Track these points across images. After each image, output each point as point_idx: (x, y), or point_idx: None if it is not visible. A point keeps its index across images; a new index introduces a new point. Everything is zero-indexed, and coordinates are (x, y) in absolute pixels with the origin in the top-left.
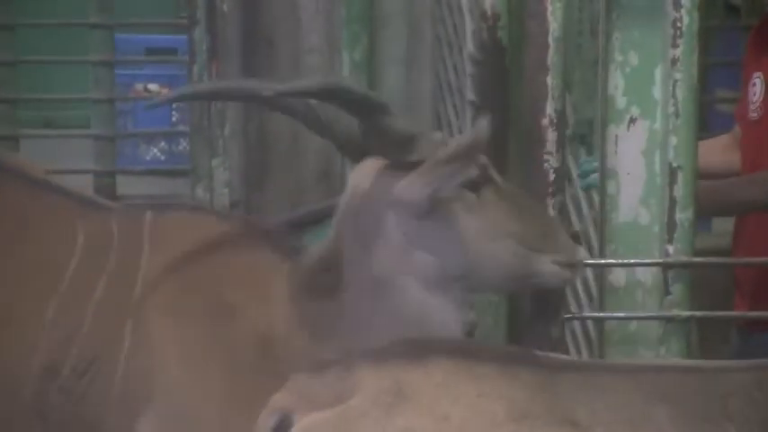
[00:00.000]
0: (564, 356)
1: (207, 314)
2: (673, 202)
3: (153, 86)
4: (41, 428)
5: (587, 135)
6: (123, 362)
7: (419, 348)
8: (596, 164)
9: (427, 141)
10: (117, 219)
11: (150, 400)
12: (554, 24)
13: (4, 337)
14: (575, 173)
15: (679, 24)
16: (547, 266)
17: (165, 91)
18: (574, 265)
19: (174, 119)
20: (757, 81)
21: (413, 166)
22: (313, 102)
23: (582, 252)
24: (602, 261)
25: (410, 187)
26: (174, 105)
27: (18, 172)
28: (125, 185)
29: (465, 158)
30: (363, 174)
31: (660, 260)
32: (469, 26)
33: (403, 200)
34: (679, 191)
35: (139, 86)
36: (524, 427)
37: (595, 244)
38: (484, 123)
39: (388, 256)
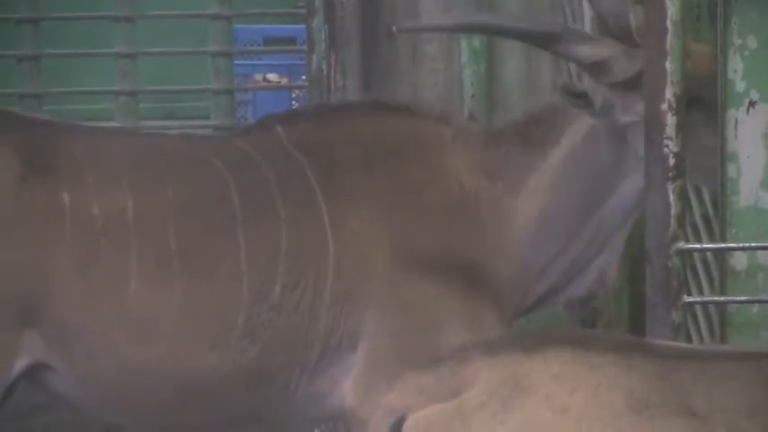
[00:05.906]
0: (680, 344)
1: (402, 203)
2: None
3: (272, 76)
4: (253, 349)
5: None
6: (333, 268)
7: (534, 340)
8: None
9: (620, 58)
10: (243, 139)
11: (368, 296)
12: (672, 9)
13: (216, 272)
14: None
15: None
16: None
17: (284, 81)
18: None
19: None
20: None
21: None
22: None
23: None
24: (723, 245)
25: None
26: (293, 95)
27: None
28: None
29: None
30: None
31: None
32: (588, 13)
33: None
34: None
35: (258, 76)
36: (644, 417)
37: (716, 228)
38: None
39: None
